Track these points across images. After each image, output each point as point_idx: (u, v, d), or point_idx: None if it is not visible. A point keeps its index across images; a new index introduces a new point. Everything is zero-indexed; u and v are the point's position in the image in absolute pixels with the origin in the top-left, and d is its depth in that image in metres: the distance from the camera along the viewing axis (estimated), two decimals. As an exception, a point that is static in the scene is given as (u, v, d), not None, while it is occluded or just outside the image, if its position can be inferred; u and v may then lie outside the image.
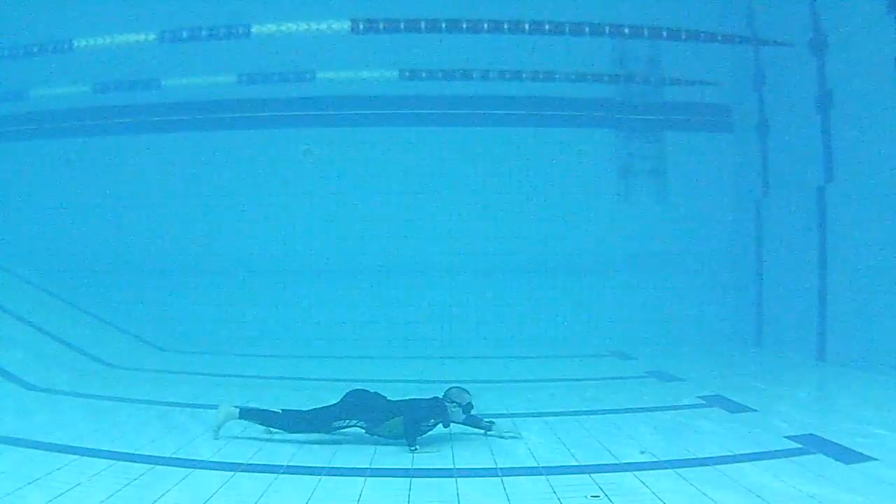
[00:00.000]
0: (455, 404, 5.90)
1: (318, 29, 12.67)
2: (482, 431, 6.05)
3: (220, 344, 12.47)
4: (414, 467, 5.20)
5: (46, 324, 10.54)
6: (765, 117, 12.71)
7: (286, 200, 13.75)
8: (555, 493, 4.55)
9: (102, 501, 4.28)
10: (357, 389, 6.03)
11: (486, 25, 12.52)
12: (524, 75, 13.61)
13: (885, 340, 9.01)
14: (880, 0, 9.29)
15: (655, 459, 5.28)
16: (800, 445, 5.60)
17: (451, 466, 5.21)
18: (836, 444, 5.57)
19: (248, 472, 5.01)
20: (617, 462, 5.26)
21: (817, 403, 8.19)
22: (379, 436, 5.79)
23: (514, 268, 13.52)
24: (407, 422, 5.65)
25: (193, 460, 5.24)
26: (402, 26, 12.42)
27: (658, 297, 13.48)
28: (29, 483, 4.53)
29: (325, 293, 13.46)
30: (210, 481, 4.73)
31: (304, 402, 6.52)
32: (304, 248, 13.61)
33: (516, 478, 4.87)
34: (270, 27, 12.82)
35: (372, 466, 5.20)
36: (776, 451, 5.47)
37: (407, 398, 6.03)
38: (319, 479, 4.85)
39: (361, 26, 12.48)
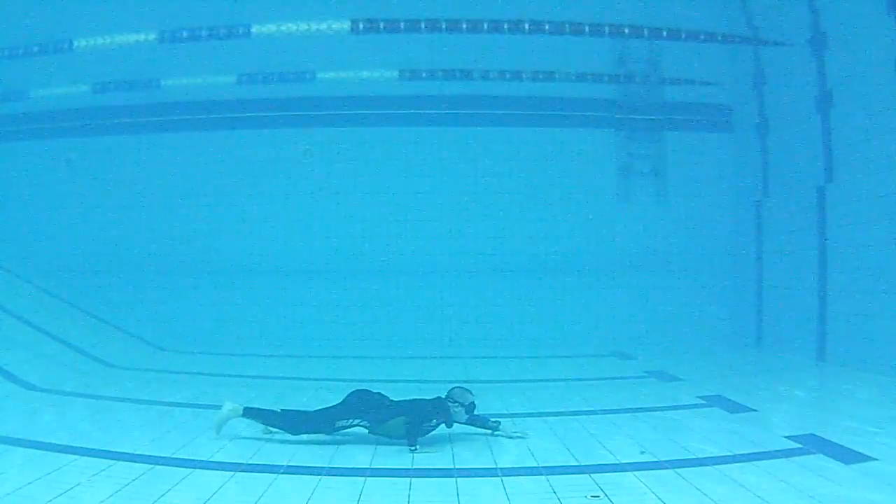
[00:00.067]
0: (458, 404, 5.90)
1: (318, 29, 12.68)
2: (489, 431, 6.04)
3: (220, 344, 12.49)
4: (414, 467, 5.20)
5: (46, 324, 10.55)
6: (765, 117, 12.70)
7: (286, 200, 13.75)
8: (555, 493, 4.55)
9: (102, 501, 4.28)
10: (359, 389, 6.03)
11: (486, 25, 12.53)
12: (524, 75, 13.60)
13: (885, 340, 9.00)
14: (880, 0, 9.30)
15: (655, 459, 5.29)
16: (800, 445, 5.61)
17: (451, 466, 5.21)
18: (836, 444, 5.58)
19: (249, 472, 5.01)
20: (617, 462, 5.26)
21: (817, 403, 8.17)
22: (381, 435, 5.78)
23: (515, 268, 13.52)
24: (409, 422, 5.66)
25: (193, 460, 5.25)
26: (402, 26, 12.44)
27: (658, 298, 13.47)
28: (29, 483, 4.54)
29: (325, 293, 13.46)
30: (210, 481, 4.74)
31: (305, 402, 6.52)
32: (304, 248, 13.61)
33: (516, 478, 4.87)
34: (270, 27, 12.84)
35: (372, 466, 5.21)
36: (776, 451, 5.48)
37: (409, 398, 6.02)
38: (319, 479, 4.85)
39: (361, 26, 12.49)
